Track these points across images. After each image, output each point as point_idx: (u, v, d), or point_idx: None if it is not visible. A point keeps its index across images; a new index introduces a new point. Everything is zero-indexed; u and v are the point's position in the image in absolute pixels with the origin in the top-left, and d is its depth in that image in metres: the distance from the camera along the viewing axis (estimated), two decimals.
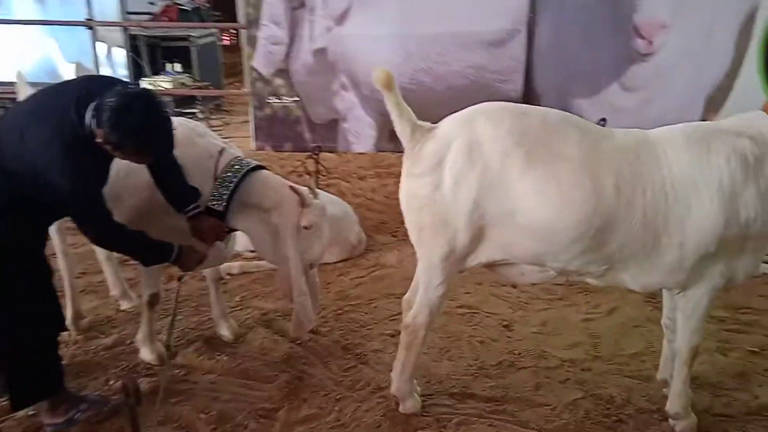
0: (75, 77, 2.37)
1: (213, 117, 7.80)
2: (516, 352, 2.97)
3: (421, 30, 5.67)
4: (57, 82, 2.37)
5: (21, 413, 2.44)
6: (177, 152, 2.39)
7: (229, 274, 3.76)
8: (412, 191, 2.29)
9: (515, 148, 2.15)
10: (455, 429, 2.44)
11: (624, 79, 6.14)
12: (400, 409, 2.51)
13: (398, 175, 5.72)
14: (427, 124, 2.34)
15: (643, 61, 5.78)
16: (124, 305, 3.39)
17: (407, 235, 4.30)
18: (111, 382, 2.74)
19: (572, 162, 2.11)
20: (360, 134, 6.64)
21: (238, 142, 6.91)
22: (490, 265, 2.33)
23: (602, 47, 6.01)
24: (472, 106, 2.36)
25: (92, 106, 2.07)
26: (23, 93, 3.33)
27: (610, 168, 2.12)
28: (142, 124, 2.05)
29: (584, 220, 2.09)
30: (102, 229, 2.22)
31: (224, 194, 2.50)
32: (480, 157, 2.17)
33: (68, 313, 3.10)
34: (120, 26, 7.17)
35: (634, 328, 3.19)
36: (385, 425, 2.46)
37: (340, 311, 3.34)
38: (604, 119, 4.78)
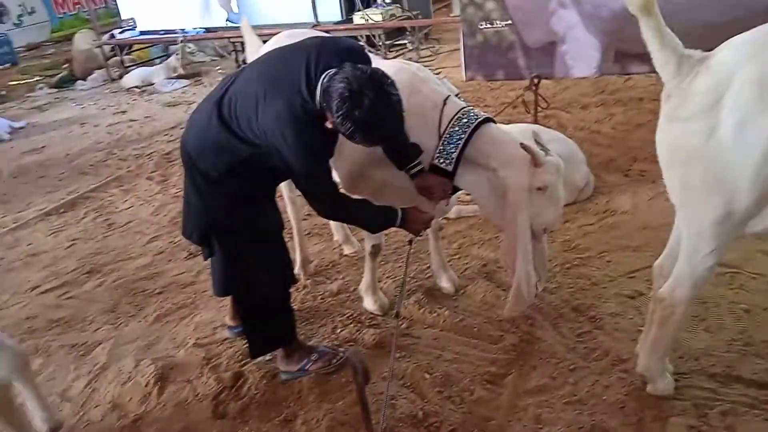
0: (305, 39, 2.25)
1: (422, 47, 7.62)
2: None
3: None
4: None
5: (259, 359, 2.57)
6: None
7: (445, 218, 3.62)
8: (677, 139, 1.85)
9: None
10: (720, 419, 2.05)
11: None
12: (649, 389, 2.18)
13: (626, 103, 5.13)
14: (698, 52, 1.86)
15: None
16: (347, 250, 3.43)
17: (642, 175, 3.85)
18: (338, 330, 2.79)
19: None
20: (581, 57, 6.01)
21: (448, 72, 6.68)
22: None
23: None
24: (763, 26, 1.82)
25: (322, 83, 1.96)
26: (249, 39, 3.39)
27: None
28: (372, 118, 1.89)
29: None
30: (327, 203, 2.19)
31: (452, 152, 2.29)
32: None
33: (297, 258, 3.21)
34: None
35: None
36: (630, 406, 2.16)
37: (568, 265, 3.02)
38: None
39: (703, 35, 5.07)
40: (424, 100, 2.34)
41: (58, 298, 3.46)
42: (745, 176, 1.74)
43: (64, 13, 11.52)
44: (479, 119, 2.30)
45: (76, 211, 4.55)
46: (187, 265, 3.54)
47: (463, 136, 2.26)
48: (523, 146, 2.20)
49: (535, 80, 4.47)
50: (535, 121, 4.51)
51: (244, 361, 2.63)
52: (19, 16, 10.98)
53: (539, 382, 2.32)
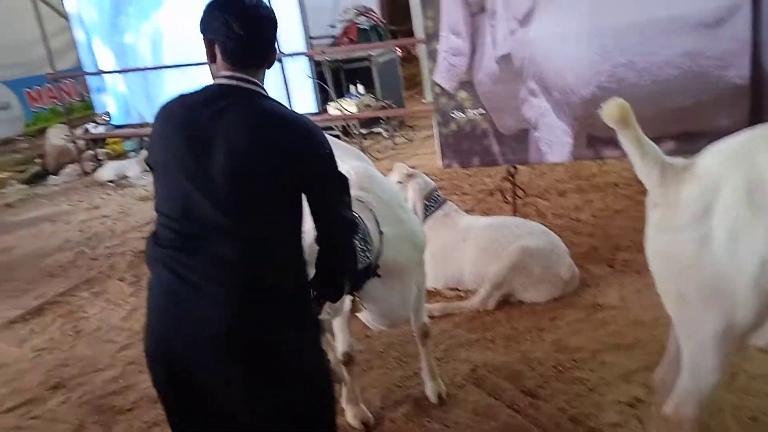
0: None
1: (397, 134, 7.71)
2: None
3: (617, 20, 5.02)
4: None
5: None
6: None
7: (430, 316, 3.50)
8: (669, 250, 1.80)
9: None
10: None
11: None
12: None
13: (603, 188, 5.17)
14: (680, 160, 1.84)
15: None
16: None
17: (626, 265, 3.80)
18: None
19: None
20: (554, 143, 6.07)
21: (423, 159, 6.73)
22: None
23: None
24: (745, 132, 1.81)
25: None
26: None
27: None
28: None
29: None
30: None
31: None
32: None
33: None
34: (305, 55, 7.37)
35: None
36: None
37: (560, 368, 2.90)
38: None
39: (669, 119, 5.13)
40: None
41: (20, 418, 3.22)
42: (744, 287, 1.68)
43: (39, 107, 11.55)
44: None
45: (42, 318, 4.33)
46: None
47: None
48: None
49: (512, 170, 4.50)
50: (514, 211, 4.51)
51: None
52: None
53: None
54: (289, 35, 7.28)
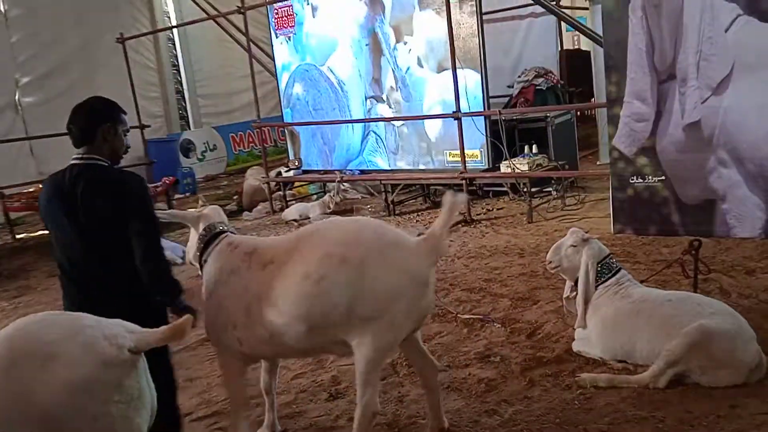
0: None
1: (568, 195, 7.61)
2: None
3: None
4: None
5: None
6: None
7: (594, 386, 3.42)
8: None
9: None
10: None
11: None
12: None
13: None
14: None
15: None
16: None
17: None
18: None
19: None
20: (744, 216, 5.65)
21: (594, 223, 6.57)
22: None
23: None
24: None
25: None
26: None
27: None
28: None
29: None
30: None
31: None
32: None
33: None
34: (483, 115, 7.62)
35: None
36: None
37: None
38: None
39: None
40: None
41: (208, 428, 3.63)
42: None
43: (240, 149, 13.06)
44: None
45: None
46: (327, 408, 3.60)
47: None
48: None
49: (695, 243, 4.28)
50: (695, 287, 4.26)
51: None
52: (203, 151, 12.62)
53: None
54: (469, 94, 7.61)
